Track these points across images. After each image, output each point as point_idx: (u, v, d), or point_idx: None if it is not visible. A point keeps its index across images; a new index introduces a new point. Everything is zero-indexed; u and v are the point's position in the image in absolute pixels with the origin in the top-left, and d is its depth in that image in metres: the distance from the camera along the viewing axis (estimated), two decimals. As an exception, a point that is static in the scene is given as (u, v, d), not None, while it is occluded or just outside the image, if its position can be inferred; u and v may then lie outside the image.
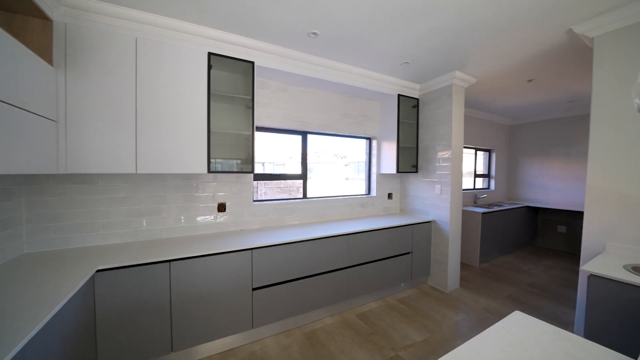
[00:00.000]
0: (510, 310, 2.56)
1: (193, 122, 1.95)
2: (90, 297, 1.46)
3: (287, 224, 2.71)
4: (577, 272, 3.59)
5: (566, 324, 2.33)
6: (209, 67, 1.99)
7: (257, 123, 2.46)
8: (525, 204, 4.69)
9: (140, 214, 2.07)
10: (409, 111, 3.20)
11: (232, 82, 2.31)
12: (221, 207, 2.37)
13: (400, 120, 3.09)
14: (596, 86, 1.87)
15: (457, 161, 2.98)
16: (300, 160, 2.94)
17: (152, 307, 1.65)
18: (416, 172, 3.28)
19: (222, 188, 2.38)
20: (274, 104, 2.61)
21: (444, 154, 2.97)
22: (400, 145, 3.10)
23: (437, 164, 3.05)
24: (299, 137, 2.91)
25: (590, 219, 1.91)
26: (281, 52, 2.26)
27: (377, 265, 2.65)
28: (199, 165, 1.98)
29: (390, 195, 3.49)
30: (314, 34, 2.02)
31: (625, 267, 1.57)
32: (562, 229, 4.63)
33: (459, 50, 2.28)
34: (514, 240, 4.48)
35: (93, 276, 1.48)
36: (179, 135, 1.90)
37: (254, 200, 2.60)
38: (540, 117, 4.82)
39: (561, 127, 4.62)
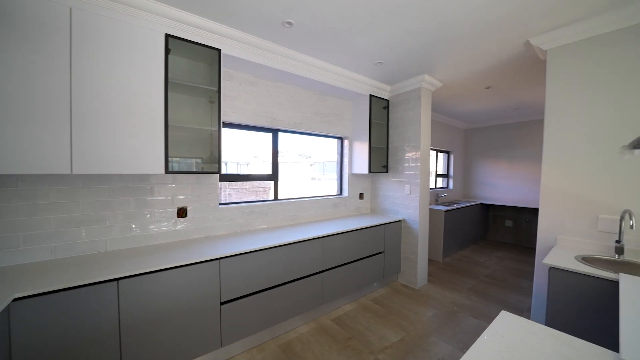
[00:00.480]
0: (474, 302, 2.72)
1: (147, 114, 1.67)
2: (3, 336, 1.13)
3: (257, 228, 2.52)
4: (524, 262, 4.01)
5: (521, 311, 2.55)
6: (167, 50, 1.73)
7: (223, 118, 2.24)
8: (479, 202, 5.13)
9: (78, 223, 1.71)
10: (380, 112, 3.23)
11: (194, 70, 2.05)
12: (182, 212, 2.09)
13: (372, 120, 3.10)
14: (549, 95, 2.06)
15: (425, 162, 3.09)
16: (267, 159, 2.76)
17: (96, 339, 1.36)
18: (386, 172, 3.33)
19: (183, 190, 2.11)
20: (242, 98, 2.40)
21: (413, 155, 3.06)
22: (372, 145, 3.11)
23: (407, 165, 3.13)
24: (268, 135, 2.73)
25: (544, 215, 2.10)
26: (252, 41, 2.07)
27: (351, 267, 2.61)
28: (155, 165, 1.71)
29: (361, 196, 3.50)
30: (289, 23, 1.88)
31: (576, 257, 1.74)
32: (509, 223, 5.16)
33: (429, 54, 2.34)
34: (471, 235, 4.85)
35: (8, 307, 1.16)
36: (129, 129, 1.61)
37: (220, 204, 2.37)
38: (491, 123, 5.30)
39: (507, 132, 5.13)
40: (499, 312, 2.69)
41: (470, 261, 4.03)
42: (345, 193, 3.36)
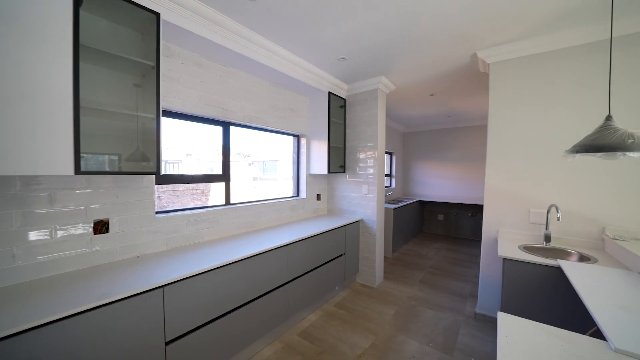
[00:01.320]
0: (427, 294, 2.90)
1: (46, 90, 1.15)
2: None
3: (206, 240, 2.11)
4: (456, 251, 4.55)
5: (465, 297, 2.83)
6: (77, 2, 1.23)
7: (162, 105, 1.77)
8: (417, 199, 5.65)
9: None
10: (337, 111, 3.16)
11: (121, 37, 1.55)
12: (100, 227, 1.56)
13: (330, 119, 2.99)
14: (492, 105, 2.30)
15: (382, 162, 3.17)
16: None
17: None
18: (344, 172, 3.29)
19: (102, 198, 1.57)
20: (187, 81, 1.96)
21: (370, 155, 3.09)
22: (330, 145, 3.01)
23: (364, 165, 3.14)
24: (217, 129, 2.33)
25: (488, 211, 2.35)
26: (203, 11, 1.69)
27: (316, 273, 2.44)
28: (59, 163, 1.19)
29: (318, 197, 3.37)
30: (252, -4, 1.59)
31: (519, 247, 1.97)
32: (440, 217, 5.84)
33: (390, 55, 2.36)
34: (411, 229, 5.29)
35: None
36: (15, 110, 1.07)
37: (158, 212, 1.88)
38: (427, 127, 5.90)
39: (440, 137, 5.80)
40: (449, 301, 2.81)
41: (415, 254, 4.37)
42: (303, 194, 3.17)
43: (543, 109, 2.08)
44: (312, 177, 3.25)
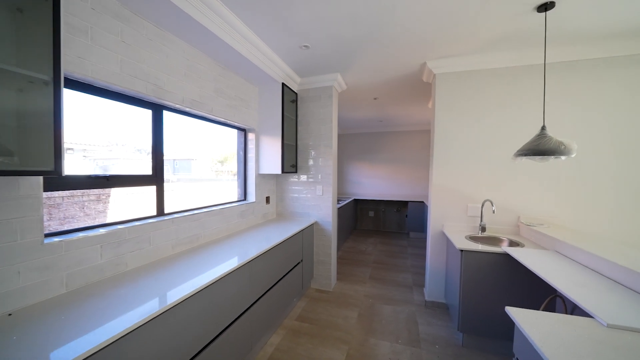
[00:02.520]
0: (379, 290, 3.00)
1: None
2: None
3: (132, 269, 1.50)
4: (389, 244, 4.96)
5: (410, 287, 3.07)
6: None
7: (65, 68, 1.11)
8: (353, 197, 5.94)
9: None
10: (289, 106, 2.90)
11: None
12: None
13: (284, 113, 2.71)
14: (437, 112, 2.54)
15: (335, 161, 3.10)
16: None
17: None
18: (296, 172, 3.06)
19: None
20: (99, 37, 1.33)
21: (325, 154, 2.97)
22: (284, 142, 2.73)
23: (318, 164, 3.00)
24: (143, 113, 1.72)
25: (435, 207, 2.58)
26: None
27: (277, 288, 2.14)
28: None
29: (268, 199, 3.02)
30: (218, -63, 1.19)
31: (466, 237, 2.23)
32: (371, 213, 6.31)
33: (352, 51, 2.29)
34: (349, 227, 5.50)
35: None
36: None
37: (48, 235, 1.20)
38: (360, 130, 6.27)
39: (371, 139, 6.26)
40: (399, 293, 2.94)
41: (357, 251, 4.53)
42: (252, 197, 2.77)
43: (475, 119, 2.43)
44: (261, 177, 2.88)
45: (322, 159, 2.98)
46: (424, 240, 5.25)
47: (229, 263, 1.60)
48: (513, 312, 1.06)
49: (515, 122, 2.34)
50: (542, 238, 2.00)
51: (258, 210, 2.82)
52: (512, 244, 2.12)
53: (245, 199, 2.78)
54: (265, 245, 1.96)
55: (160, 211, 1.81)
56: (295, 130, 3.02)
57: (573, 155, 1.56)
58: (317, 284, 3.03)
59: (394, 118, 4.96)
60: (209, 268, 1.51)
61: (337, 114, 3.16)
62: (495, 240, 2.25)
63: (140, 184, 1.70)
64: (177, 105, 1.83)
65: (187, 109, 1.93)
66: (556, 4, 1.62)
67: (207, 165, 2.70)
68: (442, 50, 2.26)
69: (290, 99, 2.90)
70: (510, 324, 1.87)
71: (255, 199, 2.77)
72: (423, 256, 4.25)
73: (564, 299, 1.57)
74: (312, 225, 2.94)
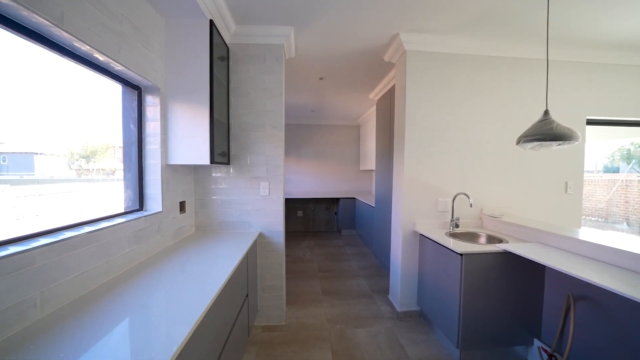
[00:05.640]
0: (340, 308, 2.45)
1: None
2: None
3: None
4: (326, 246, 4.52)
5: (370, 295, 2.68)
6: None
7: None
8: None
9: None
10: (218, 65, 1.92)
11: None
12: None
13: (213, 72, 1.73)
14: (408, 95, 2.20)
15: (283, 150, 2.32)
16: None
17: None
18: (228, 163, 2.10)
19: None
20: None
21: (272, 139, 2.15)
22: (214, 116, 1.75)
23: (263, 152, 2.15)
24: None
25: (407, 203, 2.25)
26: None
27: (227, 346, 1.23)
28: None
29: (182, 206, 1.93)
30: None
31: (447, 235, 1.98)
32: (300, 213, 5.75)
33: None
34: (280, 231, 4.74)
35: None
36: None
37: None
38: (288, 121, 5.55)
39: (299, 132, 5.66)
40: (365, 307, 2.83)
41: (295, 259, 3.86)
42: (156, 205, 1.65)
43: (445, 105, 2.24)
44: (171, 172, 1.78)
45: (269, 146, 2.15)
46: (356, 237, 5.12)
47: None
48: None
49: (484, 113, 2.28)
50: (516, 230, 1.95)
51: (167, 226, 1.72)
52: (492, 239, 2.00)
53: (142, 208, 1.63)
54: (202, 298, 1.03)
55: None
56: (226, 103, 2.06)
57: (578, 142, 1.46)
58: (265, 319, 2.19)
59: (328, 108, 4.54)
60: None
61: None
62: (474, 236, 2.10)
63: None
64: None
65: (21, 16, 0.75)
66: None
67: (62, 161, 1.44)
68: (419, 21, 1.91)
69: (218, 54, 1.92)
70: (512, 329, 1.69)
71: (163, 206, 1.66)
72: (363, 255, 4.03)
73: (572, 297, 1.45)
74: (255, 239, 2.07)
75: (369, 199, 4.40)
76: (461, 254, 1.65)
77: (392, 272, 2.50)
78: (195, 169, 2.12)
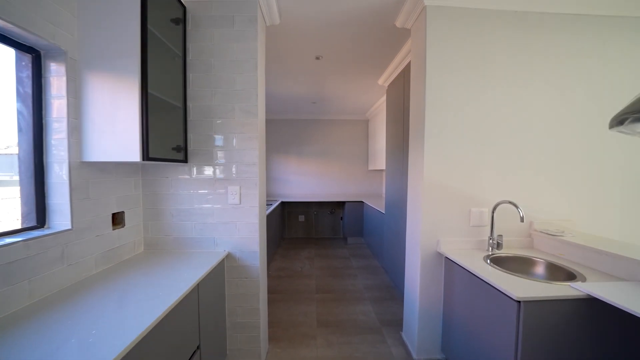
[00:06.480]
0: (341, 349, 1.88)
1: None
2: None
3: None
4: (328, 257, 3.93)
5: (378, 330, 2.10)
6: None
7: None
8: (279, 200, 4.67)
9: None
10: (167, 29, 1.40)
11: None
12: None
13: (148, 33, 1.21)
14: (429, 67, 1.60)
15: (263, 144, 1.78)
16: None
17: None
18: (185, 161, 1.58)
19: None
20: None
21: (245, 128, 1.61)
22: (147, 91, 1.22)
23: (232, 146, 1.62)
24: None
25: (426, 214, 1.65)
26: None
27: None
28: None
29: (118, 219, 1.42)
30: None
31: (486, 261, 1.38)
32: (301, 218, 5.21)
33: None
34: (276, 239, 4.22)
35: None
36: None
37: None
38: (286, 116, 5.04)
39: (299, 128, 5.13)
40: (372, 349, 1.96)
41: (290, 273, 3.31)
42: (63, 219, 1.14)
43: (479, 84, 1.63)
44: (94, 172, 1.27)
45: (239, 137, 1.61)
46: (364, 247, 4.52)
47: None
48: None
49: (538, 93, 1.65)
50: (593, 257, 1.31)
51: (84, 250, 1.21)
52: (556, 270, 1.37)
53: (43, 224, 1.12)
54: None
55: None
56: (182, 81, 1.54)
57: None
58: (235, 368, 1.65)
59: (330, 99, 3.97)
60: None
61: (264, 63, 1.85)
62: (527, 264, 1.48)
63: None
64: None
65: None
66: None
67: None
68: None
69: (169, 14, 1.41)
70: None
71: (72, 222, 1.15)
72: (372, 269, 3.44)
73: None
74: (221, 262, 1.54)
75: (378, 204, 3.80)
76: (519, 301, 1.04)
77: (406, 302, 1.91)
78: (143, 168, 1.61)
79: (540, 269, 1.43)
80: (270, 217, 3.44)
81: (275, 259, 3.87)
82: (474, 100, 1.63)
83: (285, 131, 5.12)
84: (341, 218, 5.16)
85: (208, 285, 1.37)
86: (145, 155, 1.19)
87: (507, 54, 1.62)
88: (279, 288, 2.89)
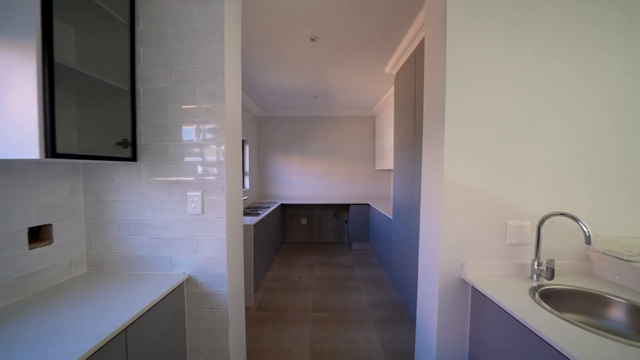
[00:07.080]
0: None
1: None
2: None
3: None
4: (330, 265, 3.56)
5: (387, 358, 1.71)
6: None
7: None
8: (279, 202, 4.33)
9: None
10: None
11: None
12: None
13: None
14: (450, 41, 1.20)
15: (236, 137, 1.42)
16: None
17: None
18: (134, 159, 1.24)
19: None
20: None
21: (208, 116, 1.25)
22: (53, 61, 0.88)
23: (193, 143, 1.26)
24: None
25: (447, 228, 1.24)
26: None
27: None
28: None
29: (44, 233, 1.09)
30: None
31: (533, 296, 0.96)
32: (304, 221, 4.85)
33: None
34: (274, 244, 3.88)
35: None
36: None
37: None
38: (286, 113, 4.70)
39: (301, 126, 4.77)
40: None
41: (285, 285, 2.96)
42: None
43: (515, 55, 1.20)
44: (-9, 173, 0.94)
45: (202, 128, 1.25)
46: (370, 254, 4.11)
47: None
48: None
49: (600, 69, 1.21)
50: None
51: (-26, 279, 0.88)
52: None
53: None
54: None
55: None
56: (129, 58, 1.19)
57: None
58: (198, 421, 1.30)
59: (333, 92, 3.58)
60: None
61: (240, 31, 1.48)
62: (597, 303, 1.04)
63: None
64: None
65: None
66: None
67: None
68: None
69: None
70: None
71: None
72: (378, 282, 3.03)
73: None
74: (179, 287, 1.19)
75: (386, 207, 3.40)
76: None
77: (419, 334, 1.51)
78: (84, 169, 1.28)
79: (619, 314, 1.00)
80: (265, 223, 3.10)
81: (272, 267, 3.53)
82: (509, 80, 1.21)
83: (286, 129, 4.78)
84: (346, 221, 4.77)
85: (152, 323, 1.02)
86: (50, 150, 0.85)
87: (556, 19, 1.19)
88: (271, 304, 2.54)
